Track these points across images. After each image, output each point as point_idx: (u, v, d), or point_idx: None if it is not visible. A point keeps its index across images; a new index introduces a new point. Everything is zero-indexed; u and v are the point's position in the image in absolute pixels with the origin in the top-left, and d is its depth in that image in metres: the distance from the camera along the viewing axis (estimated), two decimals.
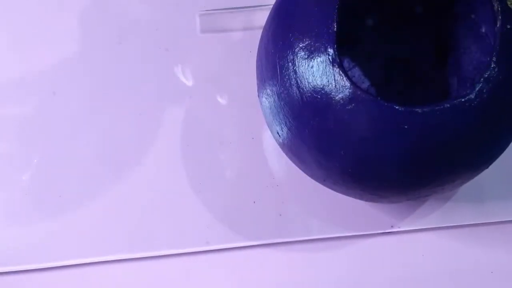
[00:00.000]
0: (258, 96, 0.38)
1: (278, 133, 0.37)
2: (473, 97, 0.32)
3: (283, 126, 0.36)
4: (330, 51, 0.32)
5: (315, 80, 0.33)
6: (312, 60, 0.33)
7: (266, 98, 0.37)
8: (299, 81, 0.33)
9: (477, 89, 0.32)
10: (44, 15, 0.47)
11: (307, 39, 0.33)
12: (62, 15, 0.48)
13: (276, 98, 0.35)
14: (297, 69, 0.33)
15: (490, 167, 0.37)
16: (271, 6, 0.38)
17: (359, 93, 0.32)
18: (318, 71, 0.32)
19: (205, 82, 0.46)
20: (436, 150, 0.33)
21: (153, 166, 0.44)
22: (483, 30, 0.37)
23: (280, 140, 0.38)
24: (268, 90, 0.36)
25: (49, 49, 0.47)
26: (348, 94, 0.32)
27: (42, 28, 0.47)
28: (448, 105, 0.32)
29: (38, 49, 0.47)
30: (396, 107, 0.32)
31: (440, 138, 0.33)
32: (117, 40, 0.47)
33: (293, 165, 0.40)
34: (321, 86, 0.32)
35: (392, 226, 0.44)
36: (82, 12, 0.48)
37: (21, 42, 0.47)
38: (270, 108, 0.36)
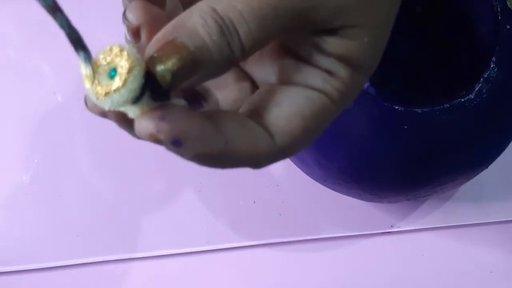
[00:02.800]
0: None
1: None
2: (472, 97, 0.32)
3: None
4: None
5: None
6: None
7: None
8: None
9: (476, 89, 0.32)
10: (45, 15, 0.47)
11: None
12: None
13: None
14: None
15: (490, 167, 0.37)
16: None
17: None
18: None
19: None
20: (436, 150, 0.33)
21: (153, 165, 0.44)
22: (483, 30, 0.37)
23: None
24: None
25: (49, 49, 0.47)
26: None
27: (42, 28, 0.47)
28: (448, 105, 0.32)
29: (38, 49, 0.47)
30: (396, 107, 0.32)
31: (440, 138, 0.33)
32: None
33: (293, 165, 0.40)
34: None
35: (392, 226, 0.44)
36: (82, 12, 0.48)
37: (22, 42, 0.47)
38: None
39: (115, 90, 0.17)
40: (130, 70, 0.16)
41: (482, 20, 0.36)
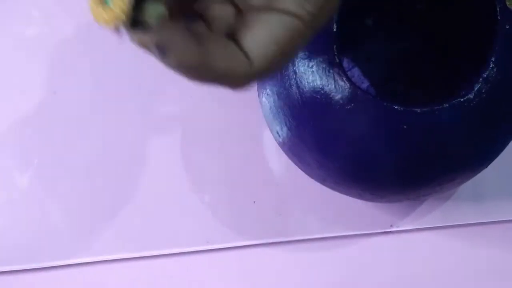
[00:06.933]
0: (258, 96, 0.39)
1: (278, 133, 0.37)
2: (472, 97, 0.32)
3: (283, 126, 0.36)
4: (330, 51, 0.32)
5: (314, 80, 0.33)
6: (312, 60, 0.33)
7: (266, 98, 0.37)
8: (299, 81, 0.33)
9: (476, 89, 0.32)
10: (45, 14, 0.47)
11: None
12: (63, 15, 0.48)
13: (276, 98, 0.35)
14: (296, 69, 0.33)
15: (489, 166, 0.37)
16: None
17: (358, 93, 0.32)
18: (317, 71, 0.33)
19: None
20: (435, 150, 0.34)
21: (154, 165, 0.44)
22: (482, 30, 0.37)
23: (280, 140, 0.38)
24: (268, 90, 0.36)
25: (49, 49, 0.47)
26: (347, 94, 0.32)
27: (42, 28, 0.47)
28: (447, 105, 0.32)
29: (38, 49, 0.47)
30: (396, 107, 0.32)
31: (439, 138, 0.33)
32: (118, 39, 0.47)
33: (293, 165, 0.40)
34: (321, 86, 0.33)
35: (391, 225, 0.44)
36: (83, 12, 0.48)
37: (21, 42, 0.47)
38: (270, 108, 0.36)
39: (112, 15, 0.20)
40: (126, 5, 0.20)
41: (481, 20, 0.36)
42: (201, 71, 0.21)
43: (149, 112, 0.46)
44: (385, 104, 0.32)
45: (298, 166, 0.39)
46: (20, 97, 0.46)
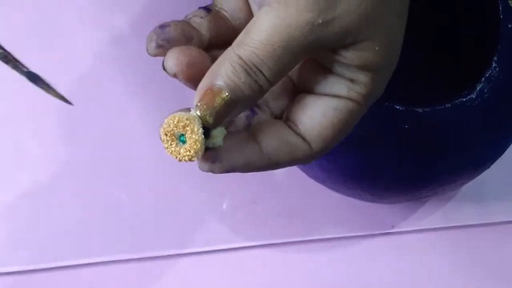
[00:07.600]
0: None
1: None
2: (474, 96, 0.32)
3: None
4: None
5: None
6: None
7: None
8: None
9: (478, 88, 0.32)
10: (45, 14, 0.47)
11: None
12: (63, 14, 0.48)
13: None
14: None
15: (491, 167, 0.36)
16: None
17: None
18: None
19: None
20: (437, 150, 0.33)
21: (153, 166, 0.44)
22: (484, 29, 0.37)
23: None
24: None
25: (49, 48, 0.47)
26: None
27: (43, 27, 0.47)
28: (449, 105, 0.32)
29: (38, 49, 0.47)
30: (397, 107, 0.32)
31: (441, 138, 0.33)
32: (118, 39, 0.47)
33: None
34: None
35: (393, 226, 0.44)
36: (82, 11, 0.48)
37: (21, 42, 0.47)
38: None
39: (188, 154, 0.22)
40: (196, 143, 0.22)
41: (484, 19, 0.36)
42: (267, 168, 0.24)
43: (150, 113, 0.46)
44: (386, 104, 0.32)
45: (299, 167, 0.39)
46: (19, 97, 0.46)
